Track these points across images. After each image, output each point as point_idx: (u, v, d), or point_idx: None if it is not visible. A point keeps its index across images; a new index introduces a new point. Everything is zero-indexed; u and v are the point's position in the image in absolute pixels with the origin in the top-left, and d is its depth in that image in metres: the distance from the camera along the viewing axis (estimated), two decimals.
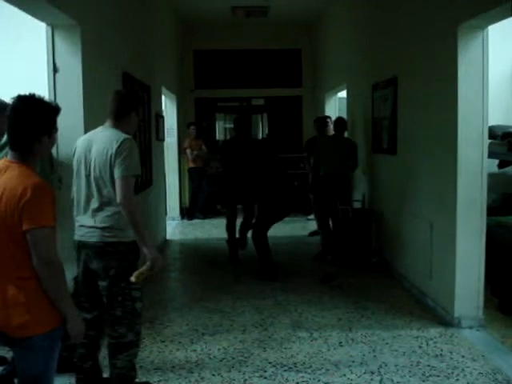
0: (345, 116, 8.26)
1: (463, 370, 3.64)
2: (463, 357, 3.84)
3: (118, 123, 3.14)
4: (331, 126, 8.53)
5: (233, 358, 3.87)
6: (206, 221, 9.74)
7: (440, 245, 4.66)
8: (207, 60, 11.04)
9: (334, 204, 6.51)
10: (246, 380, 3.55)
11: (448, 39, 4.34)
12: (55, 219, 2.17)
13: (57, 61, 3.89)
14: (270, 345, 4.11)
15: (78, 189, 3.13)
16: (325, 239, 6.79)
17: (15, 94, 2.21)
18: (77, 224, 3.15)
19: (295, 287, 5.54)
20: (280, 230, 7.52)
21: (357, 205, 7.04)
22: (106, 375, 3.34)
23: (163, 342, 4.18)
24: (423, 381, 3.50)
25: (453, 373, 3.60)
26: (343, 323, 4.55)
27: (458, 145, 4.26)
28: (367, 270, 6.13)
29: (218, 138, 11.76)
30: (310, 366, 3.73)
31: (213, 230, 8.89)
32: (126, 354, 3.17)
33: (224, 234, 6.92)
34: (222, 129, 12.07)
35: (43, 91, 3.45)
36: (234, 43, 10.78)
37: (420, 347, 4.02)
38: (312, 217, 8.48)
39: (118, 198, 2.95)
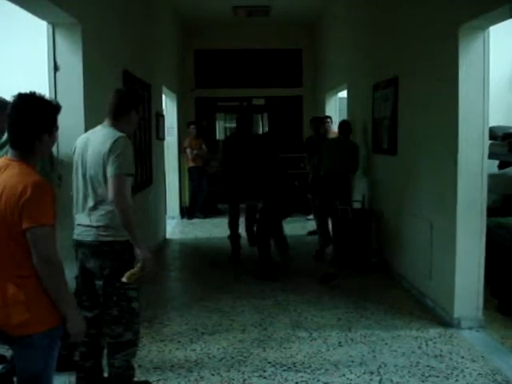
0: (345, 116, 8.29)
1: (463, 370, 3.64)
2: (463, 357, 3.84)
3: (117, 122, 3.14)
4: (332, 126, 8.56)
5: (232, 358, 3.87)
6: (206, 220, 9.74)
7: (440, 245, 4.66)
8: (208, 59, 11.04)
9: (333, 204, 6.51)
10: (245, 380, 3.55)
11: (449, 40, 4.34)
12: (55, 218, 2.17)
13: (57, 59, 3.89)
14: (269, 344, 4.11)
15: (76, 188, 3.14)
16: (323, 236, 6.82)
17: (16, 92, 2.21)
18: (75, 223, 3.16)
19: (295, 287, 5.54)
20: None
21: (357, 205, 7.04)
22: (106, 374, 3.34)
23: (162, 341, 4.18)
24: (422, 381, 3.50)
25: (452, 373, 3.60)
26: (343, 323, 4.55)
27: (458, 145, 4.26)
28: (367, 270, 6.13)
29: (218, 137, 11.75)
30: (310, 366, 3.73)
31: (213, 229, 8.89)
32: (124, 353, 3.17)
33: (224, 233, 6.94)
34: (222, 128, 12.07)
35: (44, 89, 3.44)
36: (235, 43, 10.78)
37: (419, 348, 4.02)
38: (311, 217, 8.50)
39: (110, 196, 2.94)
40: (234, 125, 11.88)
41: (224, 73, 11.12)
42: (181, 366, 3.74)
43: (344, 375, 3.60)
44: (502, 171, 6.06)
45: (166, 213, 8.63)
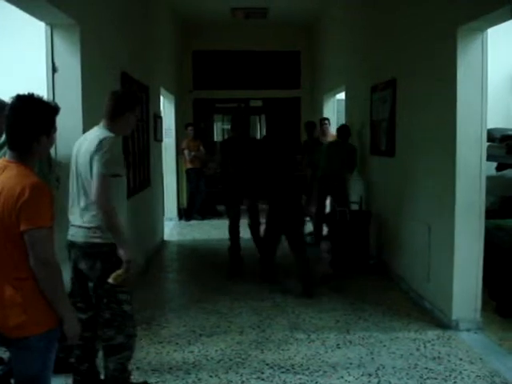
0: (343, 117, 8.32)
1: (461, 372, 3.64)
2: (461, 359, 3.84)
3: (113, 123, 3.14)
4: (330, 128, 8.58)
5: (230, 360, 3.86)
6: (204, 222, 9.72)
7: (438, 247, 4.66)
8: (206, 61, 11.05)
9: (333, 206, 6.64)
10: (243, 382, 3.54)
11: (447, 41, 4.34)
12: (53, 220, 2.16)
13: (56, 60, 3.88)
14: (267, 346, 4.10)
15: (71, 188, 3.14)
16: (315, 228, 7.23)
17: (14, 94, 2.20)
18: (69, 223, 3.15)
19: (293, 289, 5.51)
20: None
21: (354, 207, 7.05)
22: (103, 377, 3.33)
23: (160, 343, 4.17)
24: (421, 383, 3.50)
25: (450, 375, 3.60)
26: (341, 325, 4.54)
27: (456, 147, 4.26)
28: (365, 272, 6.12)
29: (215, 138, 11.76)
30: (308, 368, 3.72)
31: (211, 230, 8.88)
32: (117, 356, 3.15)
33: (223, 235, 6.80)
34: (219, 130, 12.08)
35: (42, 91, 3.44)
36: (233, 44, 10.79)
37: (418, 350, 4.02)
38: (308, 218, 8.52)
39: (92, 197, 2.94)
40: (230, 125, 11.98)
41: (222, 74, 11.12)
42: (179, 368, 3.73)
43: (342, 377, 3.59)
44: (499, 173, 6.07)
45: (163, 214, 8.62)
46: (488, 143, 4.76)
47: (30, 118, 2.16)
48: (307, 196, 7.01)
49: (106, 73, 4.71)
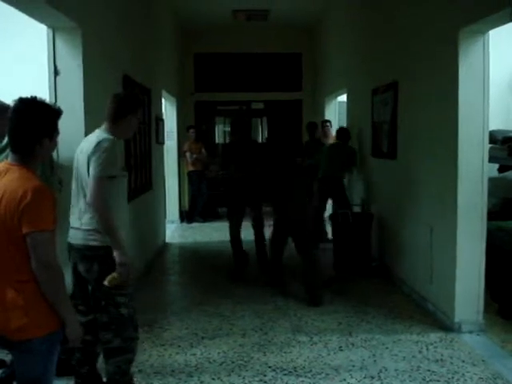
0: (344, 120, 8.34)
1: (463, 374, 3.63)
2: (463, 361, 3.84)
3: (115, 126, 3.14)
4: (331, 130, 8.60)
5: (232, 362, 3.86)
6: (206, 224, 9.72)
7: (440, 249, 4.65)
8: (207, 63, 11.06)
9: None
10: None
11: (449, 43, 4.34)
12: (55, 223, 2.16)
13: (58, 63, 3.88)
14: (269, 349, 4.10)
15: (73, 191, 3.15)
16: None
17: (16, 97, 2.20)
18: (69, 226, 3.16)
19: (295, 291, 5.50)
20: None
21: (356, 209, 7.05)
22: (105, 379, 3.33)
23: (163, 345, 4.17)
24: None
25: (453, 378, 3.59)
26: (343, 327, 4.54)
27: (458, 149, 4.26)
28: (367, 274, 6.12)
29: (217, 141, 11.77)
30: (310, 371, 3.72)
31: (212, 233, 8.88)
32: (115, 359, 3.14)
33: (224, 237, 6.72)
34: (221, 132, 12.08)
35: (44, 94, 3.45)
36: (235, 47, 10.80)
37: (420, 352, 4.01)
38: None
39: (88, 199, 2.94)
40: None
41: (223, 77, 11.13)
42: (181, 371, 3.73)
43: (345, 380, 3.59)
44: (501, 175, 6.07)
45: (165, 217, 8.62)
46: (490, 145, 4.76)
47: (33, 120, 2.16)
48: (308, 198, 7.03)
49: (108, 75, 4.71)
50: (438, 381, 3.55)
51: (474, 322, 4.37)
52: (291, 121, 11.36)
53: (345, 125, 8.21)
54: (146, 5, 6.78)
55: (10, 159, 2.23)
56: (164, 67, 8.19)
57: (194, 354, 4.00)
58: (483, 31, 4.16)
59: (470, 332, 4.33)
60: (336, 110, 9.80)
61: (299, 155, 5.53)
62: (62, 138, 2.36)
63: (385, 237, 6.28)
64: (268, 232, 5.96)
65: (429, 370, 3.70)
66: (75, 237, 3.07)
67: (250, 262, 6.25)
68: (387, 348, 4.09)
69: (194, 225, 9.75)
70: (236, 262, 6.18)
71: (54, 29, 3.85)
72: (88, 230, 3.01)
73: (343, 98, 8.78)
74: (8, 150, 2.47)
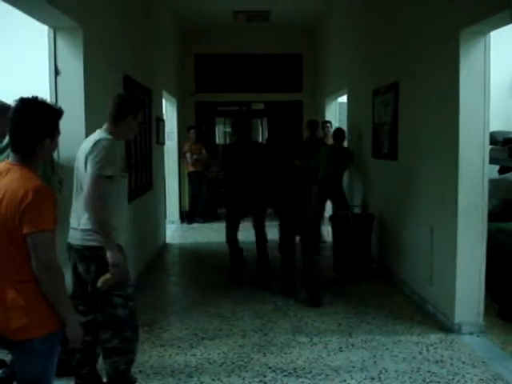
0: (345, 121, 8.35)
1: (464, 376, 3.63)
2: (464, 363, 3.83)
3: (115, 127, 3.15)
4: (331, 131, 8.60)
5: (232, 363, 3.86)
6: (206, 225, 9.72)
7: (441, 250, 4.65)
8: (208, 64, 11.06)
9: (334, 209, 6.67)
10: None
11: (449, 44, 4.34)
12: (56, 223, 2.16)
13: (58, 63, 3.88)
14: (269, 350, 4.09)
15: (73, 191, 3.15)
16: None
17: (17, 97, 2.20)
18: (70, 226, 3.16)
19: (295, 292, 5.50)
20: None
21: (357, 210, 7.04)
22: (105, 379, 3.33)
23: (163, 346, 4.17)
24: None
25: (453, 379, 3.59)
26: (343, 328, 4.54)
27: (459, 150, 4.26)
28: (367, 275, 6.11)
29: (217, 142, 11.77)
30: (310, 372, 3.71)
31: (212, 233, 8.87)
32: (113, 360, 3.14)
33: (224, 238, 6.67)
34: (221, 133, 12.08)
35: (45, 94, 3.44)
36: (235, 47, 10.80)
37: (420, 353, 4.01)
38: None
39: (83, 196, 2.94)
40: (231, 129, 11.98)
41: (224, 77, 11.13)
42: (181, 371, 3.72)
43: (345, 381, 3.58)
44: (502, 176, 6.07)
45: (165, 217, 8.62)
46: (490, 146, 4.76)
47: (34, 120, 2.16)
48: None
49: (109, 75, 4.71)
50: (439, 382, 3.55)
51: (474, 324, 4.36)
52: (292, 121, 11.36)
53: (345, 125, 8.23)
54: (147, 5, 6.78)
55: (11, 159, 2.23)
56: (164, 68, 8.19)
57: (194, 355, 4.00)
58: (484, 32, 4.16)
59: (471, 333, 4.33)
60: (336, 111, 9.80)
61: (299, 157, 5.45)
62: (62, 138, 2.36)
63: (385, 238, 6.28)
64: (269, 233, 5.94)
65: (429, 371, 3.70)
66: (74, 237, 3.07)
67: (248, 263, 6.20)
68: (387, 349, 4.09)
69: (195, 225, 9.75)
70: (233, 262, 6.13)
71: (55, 28, 3.85)
72: (86, 230, 3.00)
73: (344, 98, 8.78)
74: (9, 150, 2.46)
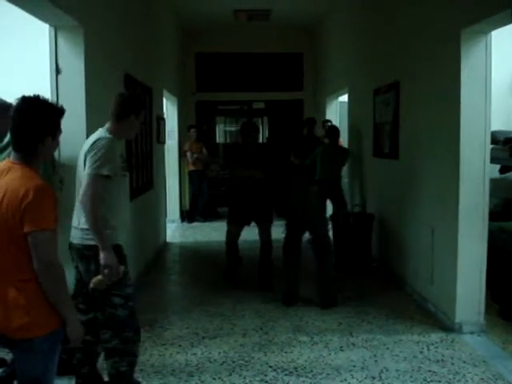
0: (345, 120, 8.35)
1: (464, 375, 3.63)
2: (464, 362, 3.83)
3: (118, 125, 3.14)
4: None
5: (233, 362, 3.86)
6: (206, 224, 9.71)
7: (441, 250, 4.65)
8: (209, 63, 11.05)
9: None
10: None
11: (451, 44, 4.33)
12: (57, 222, 2.16)
13: (59, 62, 3.88)
14: (270, 349, 4.09)
15: (76, 190, 3.14)
16: None
17: (18, 95, 2.20)
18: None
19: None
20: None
21: (357, 209, 7.04)
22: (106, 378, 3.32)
23: (163, 345, 4.17)
24: None
25: (454, 378, 3.59)
26: (344, 328, 4.53)
27: (460, 149, 4.26)
28: (368, 274, 6.11)
29: (218, 141, 11.76)
30: (311, 371, 3.71)
31: (213, 232, 8.87)
32: (113, 360, 3.12)
33: (224, 237, 6.63)
34: (222, 132, 12.08)
35: (46, 92, 3.44)
36: (236, 46, 10.78)
37: (421, 352, 4.01)
38: None
39: (80, 194, 2.94)
40: (233, 128, 11.97)
41: (225, 76, 11.11)
42: (182, 370, 3.72)
43: (346, 380, 3.58)
44: (503, 176, 6.06)
45: (166, 216, 8.62)
46: (491, 145, 4.75)
47: (36, 119, 2.16)
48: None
49: (110, 74, 4.71)
50: (439, 381, 3.55)
51: (474, 323, 4.36)
52: (292, 121, 11.35)
53: (346, 125, 8.23)
54: (147, 4, 6.78)
55: (12, 158, 2.22)
56: (165, 66, 8.19)
57: (195, 354, 4.00)
58: (485, 32, 4.15)
59: (471, 333, 4.33)
60: (337, 110, 9.80)
61: (297, 154, 5.38)
62: (62, 137, 2.36)
63: (386, 237, 6.28)
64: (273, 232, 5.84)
65: (430, 371, 3.70)
66: (75, 236, 3.07)
67: (247, 262, 6.14)
68: (388, 348, 4.09)
69: (195, 224, 9.75)
70: (228, 261, 5.99)
71: (56, 27, 3.85)
72: (86, 229, 3.00)
73: (344, 98, 8.77)
74: (10, 149, 2.46)
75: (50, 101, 2.23)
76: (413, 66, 5.28)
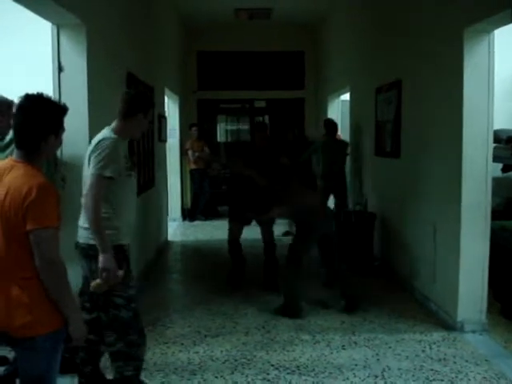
0: (347, 119, 8.36)
1: (467, 374, 3.63)
2: (467, 361, 3.83)
3: (124, 124, 3.10)
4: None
5: (235, 361, 3.86)
6: (208, 222, 9.72)
7: (444, 249, 4.65)
8: (210, 61, 11.05)
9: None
10: (248, 382, 3.53)
11: (453, 43, 4.33)
12: (59, 220, 2.16)
13: (62, 60, 3.87)
14: (272, 347, 4.09)
15: (83, 190, 3.13)
16: None
17: (20, 93, 2.20)
18: None
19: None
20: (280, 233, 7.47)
21: (359, 208, 7.03)
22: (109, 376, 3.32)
23: (166, 343, 4.17)
24: None
25: (457, 377, 3.59)
26: (346, 326, 4.53)
27: (462, 148, 4.25)
28: (369, 273, 6.11)
29: (219, 139, 11.76)
30: (313, 370, 3.71)
31: (214, 231, 8.87)
32: (117, 364, 3.11)
33: (225, 236, 6.53)
34: (223, 130, 12.08)
35: (48, 90, 3.44)
36: (237, 45, 10.78)
37: (423, 351, 4.01)
38: None
39: (83, 194, 2.94)
40: (234, 127, 11.97)
41: (226, 75, 11.12)
42: (184, 369, 3.72)
43: (348, 379, 3.58)
44: (505, 174, 6.06)
45: (167, 215, 8.62)
46: (494, 144, 4.74)
47: (39, 117, 2.16)
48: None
49: (112, 73, 4.71)
50: (442, 380, 3.55)
51: (476, 322, 4.36)
52: (294, 119, 11.34)
53: (348, 123, 8.22)
54: (149, 3, 6.77)
55: (14, 156, 2.22)
56: (166, 65, 8.19)
57: (197, 352, 4.00)
58: (488, 30, 4.14)
59: (473, 331, 4.32)
60: (339, 109, 9.79)
61: (287, 154, 5.36)
62: (65, 135, 2.35)
63: (387, 236, 6.27)
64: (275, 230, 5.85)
65: (432, 369, 3.69)
66: (81, 235, 3.06)
67: (250, 262, 6.02)
68: (390, 347, 4.09)
69: (196, 223, 9.75)
70: (233, 262, 5.87)
71: (59, 25, 3.84)
72: (89, 229, 2.98)
73: (346, 96, 8.76)
74: (13, 146, 2.46)
75: (53, 99, 2.23)
76: (415, 65, 5.27)
